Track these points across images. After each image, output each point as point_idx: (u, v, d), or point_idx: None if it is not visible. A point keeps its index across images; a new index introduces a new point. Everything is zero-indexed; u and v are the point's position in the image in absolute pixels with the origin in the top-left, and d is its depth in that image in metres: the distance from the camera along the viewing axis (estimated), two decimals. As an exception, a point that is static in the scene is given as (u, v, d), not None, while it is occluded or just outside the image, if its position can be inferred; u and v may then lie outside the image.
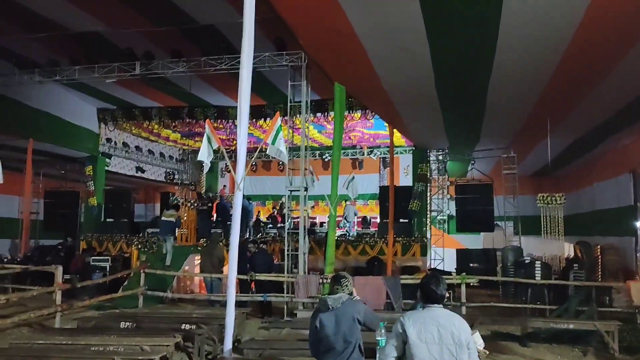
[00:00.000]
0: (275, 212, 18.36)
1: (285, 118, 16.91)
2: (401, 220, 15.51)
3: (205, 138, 6.16)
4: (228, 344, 5.63)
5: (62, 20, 10.32)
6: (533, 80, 8.97)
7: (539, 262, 10.21)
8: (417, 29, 6.94)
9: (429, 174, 16.30)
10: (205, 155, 6.17)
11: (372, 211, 22.81)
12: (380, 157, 22.79)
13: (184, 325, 6.78)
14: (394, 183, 15.91)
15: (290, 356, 5.21)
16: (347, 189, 12.00)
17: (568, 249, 14.06)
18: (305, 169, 9.67)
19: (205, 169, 6.83)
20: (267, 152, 6.49)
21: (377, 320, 4.14)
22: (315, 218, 22.32)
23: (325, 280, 9.29)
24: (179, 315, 7.96)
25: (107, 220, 17.26)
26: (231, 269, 5.85)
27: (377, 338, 4.28)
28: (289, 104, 10.68)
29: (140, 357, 5.04)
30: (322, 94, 14.94)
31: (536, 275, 9.68)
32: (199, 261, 12.89)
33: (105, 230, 16.69)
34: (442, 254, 16.61)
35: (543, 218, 11.47)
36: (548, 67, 8.35)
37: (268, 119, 16.95)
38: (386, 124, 17.22)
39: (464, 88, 9.53)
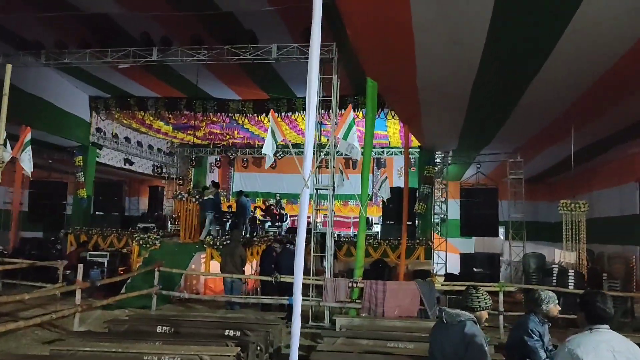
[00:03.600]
0: (274, 210, 17.82)
1: (289, 114, 16.75)
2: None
3: (269, 131, 5.71)
4: (294, 356, 5.15)
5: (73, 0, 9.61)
6: (575, 85, 8.81)
7: (572, 270, 10.06)
8: (481, 19, 6.64)
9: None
10: (269, 148, 5.71)
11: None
12: (374, 158, 22.50)
13: (227, 331, 6.27)
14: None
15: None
16: (379, 189, 11.61)
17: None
18: (334, 167, 9.23)
19: (268, 163, 6.30)
20: (338, 148, 6.06)
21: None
22: (309, 217, 21.93)
23: (355, 285, 8.90)
24: (214, 320, 7.40)
25: (97, 213, 16.48)
26: (297, 272, 5.37)
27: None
28: (316, 99, 10.17)
29: (213, 371, 4.54)
30: (328, 91, 14.59)
31: (569, 284, 9.51)
32: (205, 259, 12.32)
33: (94, 224, 15.94)
34: (445, 258, 16.40)
35: (565, 224, 11.36)
36: (594, 74, 8.22)
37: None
38: (388, 124, 17.04)
39: (501, 90, 9.29)
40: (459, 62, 8.23)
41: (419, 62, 8.27)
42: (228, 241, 10.85)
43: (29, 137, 6.84)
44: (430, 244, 15.00)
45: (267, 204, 18.80)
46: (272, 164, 22.87)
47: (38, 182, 16.77)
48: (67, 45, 11.28)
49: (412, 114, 11.70)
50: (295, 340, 5.34)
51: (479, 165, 16.18)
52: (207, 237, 12.08)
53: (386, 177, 11.43)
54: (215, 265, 12.12)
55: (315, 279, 9.17)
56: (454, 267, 16.21)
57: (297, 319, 5.46)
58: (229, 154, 22.84)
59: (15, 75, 12.89)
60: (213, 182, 14.31)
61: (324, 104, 10.20)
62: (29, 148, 6.80)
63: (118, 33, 10.80)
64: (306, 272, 10.07)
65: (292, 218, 20.09)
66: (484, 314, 3.74)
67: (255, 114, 16.71)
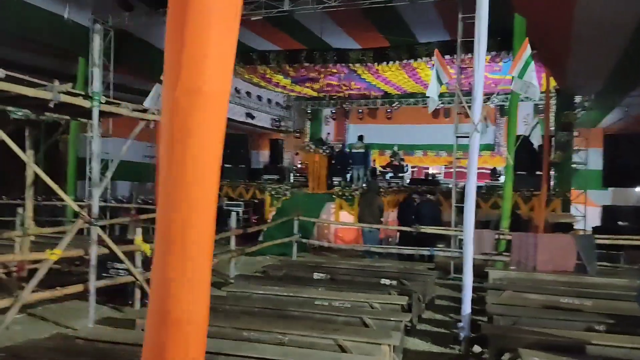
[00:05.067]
0: (393, 161, 17.54)
1: (410, 61, 16.12)
2: (537, 172, 14.35)
3: (433, 72, 5.39)
4: (466, 308, 5.00)
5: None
6: None
7: None
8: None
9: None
10: (434, 91, 5.40)
11: (485, 163, 21.42)
12: (497, 106, 21.13)
13: (383, 280, 6.25)
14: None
15: (557, 327, 4.46)
16: (529, 135, 10.90)
17: None
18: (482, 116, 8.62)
19: (432, 107, 5.96)
20: (512, 87, 5.63)
21: None
22: (427, 168, 21.38)
23: (501, 237, 8.47)
24: (366, 268, 7.44)
25: (225, 165, 17.26)
26: (467, 223, 5.16)
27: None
28: (458, 40, 9.56)
29: (392, 319, 4.51)
30: (453, 33, 13.67)
31: None
32: (334, 210, 12.46)
33: (223, 175, 16.69)
34: (584, 211, 15.19)
35: None
36: None
37: (390, 62, 15.96)
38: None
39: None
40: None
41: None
42: (365, 191, 10.82)
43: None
44: (568, 195, 13.95)
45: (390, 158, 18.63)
46: (388, 115, 22.40)
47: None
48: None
49: (559, 53, 10.65)
50: (468, 293, 5.18)
51: (626, 109, 14.52)
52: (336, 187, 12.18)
53: (537, 122, 10.57)
54: (344, 216, 12.23)
55: (456, 231, 8.84)
56: (592, 221, 15.02)
57: (468, 272, 5.28)
58: (344, 105, 22.73)
59: (148, 32, 13.65)
60: (360, 136, 14.66)
61: (464, 46, 9.52)
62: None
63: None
64: (445, 224, 9.79)
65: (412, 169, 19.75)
66: None
67: (375, 63, 16.29)
